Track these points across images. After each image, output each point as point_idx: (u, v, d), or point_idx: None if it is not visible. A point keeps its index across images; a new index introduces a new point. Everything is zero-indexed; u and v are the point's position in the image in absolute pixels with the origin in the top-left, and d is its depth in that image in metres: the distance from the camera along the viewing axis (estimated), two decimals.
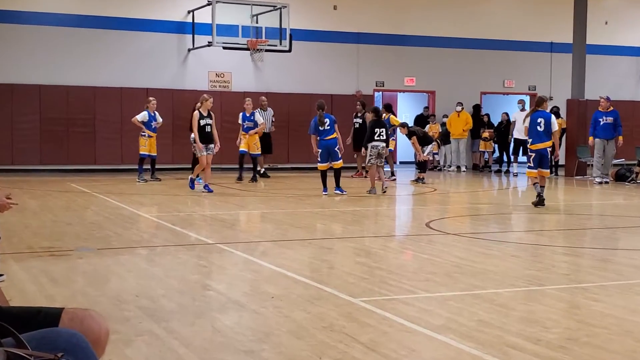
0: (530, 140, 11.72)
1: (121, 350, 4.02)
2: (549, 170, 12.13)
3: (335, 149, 13.15)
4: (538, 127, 11.55)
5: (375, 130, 13.42)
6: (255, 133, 15.60)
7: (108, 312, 4.77)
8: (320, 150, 13.14)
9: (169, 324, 4.57)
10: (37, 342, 2.19)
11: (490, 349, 4.07)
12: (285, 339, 4.29)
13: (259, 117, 15.81)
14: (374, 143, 13.39)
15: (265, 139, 17.01)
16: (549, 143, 11.65)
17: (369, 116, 17.18)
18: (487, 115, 21.56)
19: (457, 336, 4.30)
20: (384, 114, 17.36)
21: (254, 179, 15.66)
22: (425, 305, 5.10)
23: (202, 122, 13.28)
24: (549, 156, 11.79)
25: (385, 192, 13.34)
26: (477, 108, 21.75)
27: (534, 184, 11.71)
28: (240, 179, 15.56)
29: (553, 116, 11.84)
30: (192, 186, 13.66)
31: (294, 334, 4.38)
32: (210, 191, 13.18)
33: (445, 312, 4.89)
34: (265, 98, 17.59)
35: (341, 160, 13.34)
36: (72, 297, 5.32)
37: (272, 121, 17.64)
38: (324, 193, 13.21)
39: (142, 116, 15.47)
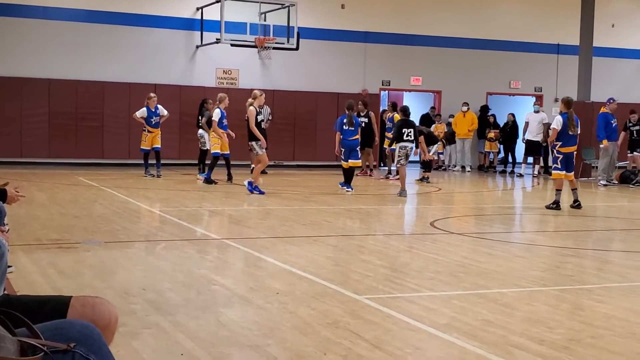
0: (559, 143, 11.44)
1: (128, 343, 4.07)
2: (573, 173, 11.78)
3: (357, 149, 13.70)
4: (570, 130, 11.35)
5: (404, 130, 13.03)
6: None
7: (115, 305, 4.80)
8: (343, 149, 13.58)
9: (175, 317, 4.62)
10: (50, 333, 2.23)
11: (495, 349, 4.10)
12: (290, 334, 4.33)
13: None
14: (403, 144, 13.01)
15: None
16: (576, 147, 11.63)
17: (372, 115, 17.33)
18: (493, 115, 21.57)
19: (461, 335, 4.34)
20: (389, 113, 17.44)
21: (229, 179, 14.90)
22: (429, 303, 5.14)
23: (259, 118, 12.76)
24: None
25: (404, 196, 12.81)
26: (484, 109, 21.74)
27: (558, 190, 11.52)
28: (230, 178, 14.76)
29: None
30: (252, 189, 12.46)
31: (299, 329, 4.42)
32: (262, 193, 12.48)
33: (450, 311, 4.92)
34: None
35: (359, 160, 13.98)
36: (80, 289, 5.37)
37: (269, 119, 17.65)
38: (347, 189, 13.36)
39: (141, 112, 15.48)
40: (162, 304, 4.94)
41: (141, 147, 15.76)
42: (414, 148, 13.16)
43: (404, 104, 13.51)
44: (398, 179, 16.91)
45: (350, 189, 13.41)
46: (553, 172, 11.79)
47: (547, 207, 11.43)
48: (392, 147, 17.30)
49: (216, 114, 14.19)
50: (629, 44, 24.09)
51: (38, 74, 18.29)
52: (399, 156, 13.00)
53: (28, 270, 5.93)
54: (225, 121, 14.45)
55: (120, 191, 12.52)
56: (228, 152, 14.61)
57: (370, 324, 4.57)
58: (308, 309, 4.88)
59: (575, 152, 11.70)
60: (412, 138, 13.04)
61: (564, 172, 11.48)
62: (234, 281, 5.88)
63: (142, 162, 15.98)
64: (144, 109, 15.51)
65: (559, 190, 11.54)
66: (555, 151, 11.70)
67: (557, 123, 11.47)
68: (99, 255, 6.79)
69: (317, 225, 9.35)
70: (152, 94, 15.77)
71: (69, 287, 5.41)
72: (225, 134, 14.46)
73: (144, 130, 15.62)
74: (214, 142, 14.58)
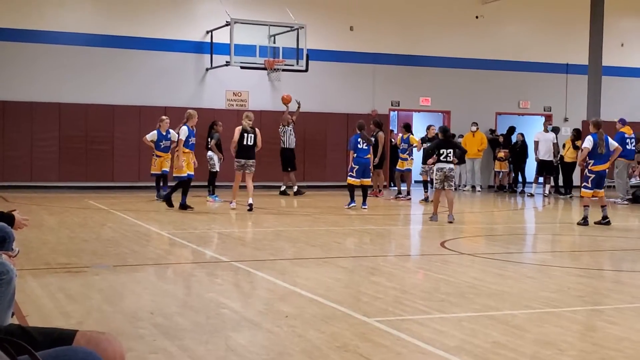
0: (591, 162, 11.92)
1: None
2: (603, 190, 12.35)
3: (369, 167, 14.28)
4: (600, 149, 11.86)
5: (442, 151, 12.21)
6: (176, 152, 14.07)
7: (123, 329, 4.81)
8: (357, 167, 14.03)
9: (183, 341, 4.59)
10: None
11: None
12: (299, 358, 4.29)
13: (174, 134, 14.90)
14: (440, 165, 12.21)
15: (287, 154, 17.52)
16: (608, 165, 12.19)
17: (382, 136, 17.35)
18: (503, 135, 21.55)
19: (471, 358, 4.29)
20: (404, 134, 17.43)
21: (159, 197, 15.00)
22: (439, 326, 5.09)
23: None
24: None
25: (452, 222, 11.92)
26: (511, 130, 21.65)
27: (585, 206, 11.92)
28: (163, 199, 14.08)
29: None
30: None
31: (308, 353, 4.38)
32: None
33: (460, 334, 4.87)
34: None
35: (370, 179, 14.45)
36: (88, 314, 5.36)
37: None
38: (351, 205, 13.97)
39: (151, 135, 15.45)
40: (170, 329, 4.92)
41: (151, 171, 15.79)
42: (453, 169, 12.39)
43: (443, 124, 13.30)
44: (409, 199, 16.99)
45: (364, 207, 14.03)
46: (583, 190, 12.11)
47: (578, 224, 11.92)
48: (399, 167, 17.38)
49: (183, 132, 13.36)
50: (639, 62, 24.05)
51: (48, 97, 18.43)
52: (436, 179, 12.25)
53: (37, 295, 5.93)
54: (192, 140, 13.63)
55: (129, 214, 12.54)
56: (192, 172, 13.76)
57: (380, 347, 4.53)
58: (317, 333, 4.84)
59: (607, 170, 12.27)
60: (451, 159, 12.24)
61: (592, 190, 11.94)
62: (242, 304, 5.86)
63: (153, 185, 16.01)
64: (155, 132, 15.52)
65: (586, 207, 11.94)
66: (587, 170, 12.06)
67: (588, 143, 11.97)
68: (108, 279, 6.79)
69: (327, 247, 9.31)
70: (164, 117, 15.72)
71: (77, 312, 5.40)
72: (190, 153, 13.70)
73: (153, 155, 15.65)
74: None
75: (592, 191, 11.92)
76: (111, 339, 2.48)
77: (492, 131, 22.01)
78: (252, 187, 13.66)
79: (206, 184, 16.24)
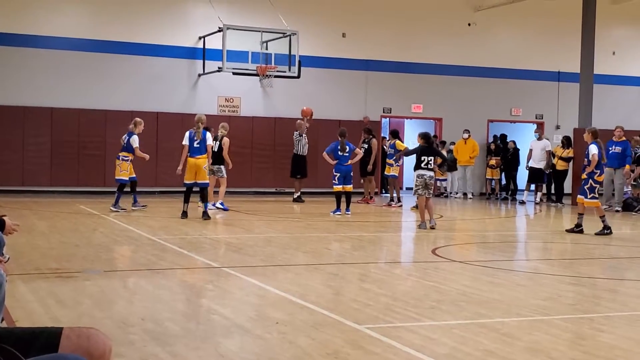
0: (597, 172, 11.89)
1: None
2: None
3: (350, 174, 14.43)
4: (603, 159, 11.96)
5: (423, 157, 12.20)
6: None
7: (113, 335, 4.79)
8: (338, 174, 14.29)
9: (174, 347, 4.58)
10: None
11: None
12: None
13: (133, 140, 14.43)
14: (420, 172, 12.17)
15: (299, 161, 17.72)
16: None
17: (375, 142, 17.40)
18: (494, 143, 21.61)
19: None
20: (390, 140, 17.47)
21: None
22: (430, 333, 5.10)
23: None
24: None
25: (433, 227, 12.01)
26: (503, 137, 21.75)
27: (602, 216, 11.98)
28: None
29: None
30: (225, 208, 14.67)
31: None
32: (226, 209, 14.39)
33: (451, 341, 4.88)
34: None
35: (351, 186, 14.54)
36: (78, 319, 5.34)
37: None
38: (337, 213, 14.10)
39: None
40: (160, 334, 4.90)
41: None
42: (432, 177, 12.40)
43: (425, 131, 13.29)
44: (401, 206, 17.02)
45: (348, 213, 14.18)
46: (590, 200, 11.94)
47: (597, 234, 11.84)
48: (386, 173, 17.42)
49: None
50: (630, 71, 24.18)
51: (40, 102, 18.37)
52: (416, 185, 12.20)
53: (27, 300, 5.90)
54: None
55: (121, 219, 12.51)
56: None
57: (370, 354, 4.53)
58: (308, 339, 4.84)
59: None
60: (432, 167, 12.24)
61: (597, 200, 11.97)
62: (233, 310, 5.84)
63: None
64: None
65: (603, 217, 11.97)
66: (591, 181, 11.92)
67: (595, 152, 11.80)
68: (99, 284, 6.76)
69: (318, 253, 9.31)
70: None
71: (68, 317, 5.38)
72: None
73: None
74: (124, 167, 14.33)
75: (597, 201, 11.93)
76: (99, 333, 2.54)
77: (496, 139, 21.96)
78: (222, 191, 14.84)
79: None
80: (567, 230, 12.15)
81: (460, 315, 5.73)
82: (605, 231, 11.84)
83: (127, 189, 14.70)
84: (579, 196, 12.21)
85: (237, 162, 16.60)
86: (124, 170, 14.34)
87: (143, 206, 14.58)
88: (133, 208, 14.41)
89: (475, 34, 22.43)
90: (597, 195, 11.93)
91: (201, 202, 13.21)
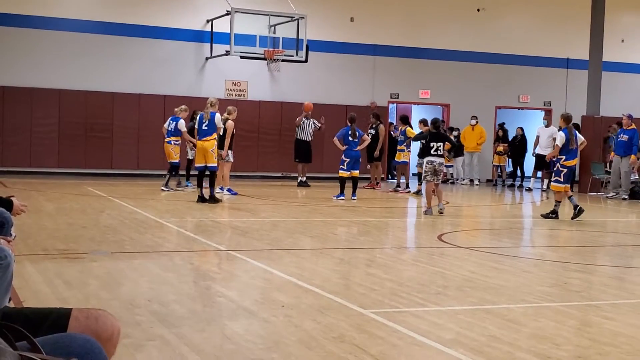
0: (563, 157, 11.95)
1: (132, 355, 4.06)
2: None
3: (359, 160, 14.48)
4: (571, 144, 11.96)
5: (432, 144, 12.16)
6: None
7: (120, 316, 4.81)
8: (348, 160, 14.26)
9: (180, 329, 4.60)
10: (50, 347, 2.23)
11: None
12: (295, 348, 4.31)
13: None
14: (430, 158, 12.17)
15: (300, 146, 17.57)
16: (577, 159, 12.40)
17: (382, 128, 17.37)
18: (502, 129, 21.52)
19: (467, 351, 4.31)
20: (400, 126, 17.42)
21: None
22: (436, 318, 5.11)
23: None
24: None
25: (442, 212, 12.04)
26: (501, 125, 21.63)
27: (570, 197, 12.04)
28: None
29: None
30: (233, 192, 14.51)
31: (304, 343, 4.39)
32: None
33: (456, 327, 4.89)
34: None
35: (358, 171, 14.57)
36: (85, 300, 5.37)
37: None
38: (340, 198, 14.09)
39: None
40: (167, 316, 4.93)
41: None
42: (442, 164, 12.40)
43: (435, 117, 13.23)
44: (409, 192, 16.99)
45: (354, 198, 14.16)
46: (554, 184, 12.17)
47: (543, 216, 12.02)
48: (397, 160, 17.36)
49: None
50: (639, 59, 24.02)
51: (48, 84, 18.39)
52: (425, 172, 12.25)
53: (34, 280, 5.94)
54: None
55: (128, 201, 12.54)
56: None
57: (375, 338, 4.54)
58: (313, 323, 4.86)
59: (576, 166, 12.47)
60: (442, 153, 12.24)
61: (565, 185, 11.99)
62: (239, 293, 5.87)
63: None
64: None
65: (558, 202, 12.10)
66: (559, 165, 12.06)
67: (560, 139, 12.00)
68: (106, 265, 6.79)
69: (324, 238, 9.32)
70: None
71: (75, 298, 5.41)
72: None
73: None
74: (177, 151, 15.10)
75: (564, 186, 11.93)
76: (108, 314, 2.54)
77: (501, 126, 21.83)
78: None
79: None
80: (542, 215, 12.17)
81: (465, 301, 5.74)
82: (551, 215, 11.91)
83: (182, 171, 15.71)
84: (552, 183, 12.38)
85: (243, 146, 16.63)
86: (177, 154, 15.01)
87: (186, 185, 15.59)
88: (177, 189, 15.21)
89: (484, 19, 22.30)
90: (561, 180, 11.93)
91: (208, 185, 13.22)
